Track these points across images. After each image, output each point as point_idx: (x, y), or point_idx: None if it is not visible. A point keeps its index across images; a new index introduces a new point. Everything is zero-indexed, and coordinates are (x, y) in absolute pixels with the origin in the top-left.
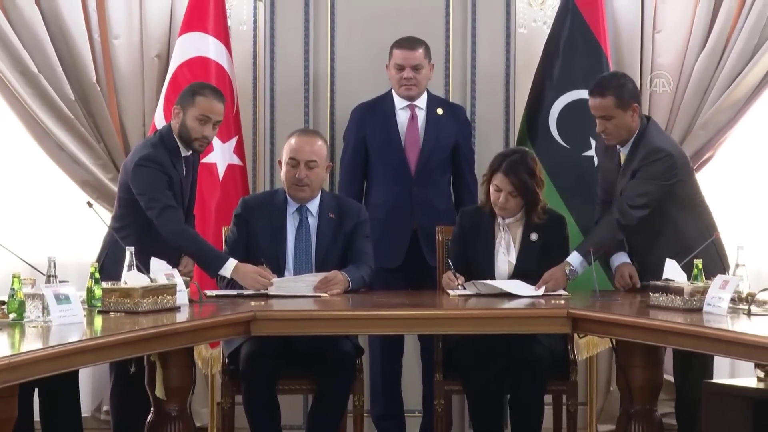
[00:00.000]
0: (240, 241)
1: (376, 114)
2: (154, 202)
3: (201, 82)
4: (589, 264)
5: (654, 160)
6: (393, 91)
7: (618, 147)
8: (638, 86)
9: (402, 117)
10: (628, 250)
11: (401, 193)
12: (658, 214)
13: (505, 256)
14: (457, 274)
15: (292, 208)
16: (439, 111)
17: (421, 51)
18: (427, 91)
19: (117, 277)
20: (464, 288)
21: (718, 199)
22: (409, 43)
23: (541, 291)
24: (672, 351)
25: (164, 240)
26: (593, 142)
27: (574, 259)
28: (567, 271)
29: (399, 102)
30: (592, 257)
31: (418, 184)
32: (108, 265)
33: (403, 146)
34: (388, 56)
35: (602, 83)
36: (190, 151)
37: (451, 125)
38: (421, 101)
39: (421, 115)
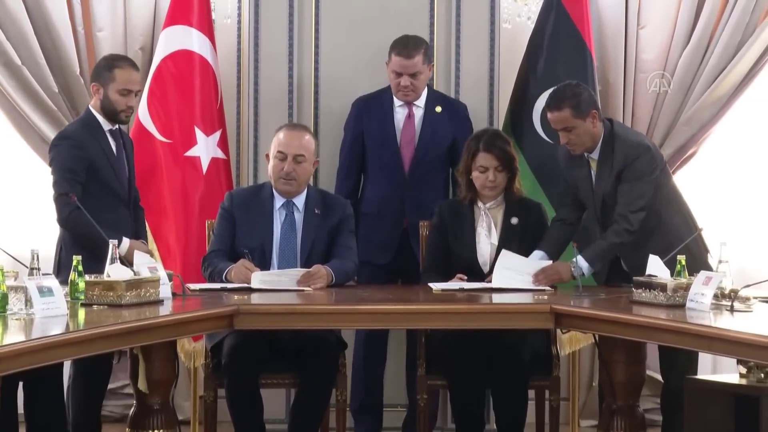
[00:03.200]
0: (227, 233)
1: (374, 109)
2: (56, 185)
3: (113, 54)
4: (595, 271)
5: (636, 158)
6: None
7: (586, 155)
8: (622, 82)
9: (399, 114)
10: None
11: (393, 191)
12: (649, 211)
13: (487, 238)
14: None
15: (278, 202)
16: (438, 109)
17: (419, 57)
18: (428, 87)
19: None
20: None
21: (701, 195)
22: (407, 50)
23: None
24: (657, 347)
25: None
26: None
27: (581, 261)
28: (572, 269)
29: (397, 99)
30: (598, 265)
31: (411, 182)
32: (65, 259)
33: (399, 144)
34: (387, 53)
35: (557, 96)
36: (116, 125)
37: (449, 123)
38: (420, 99)
39: (419, 113)
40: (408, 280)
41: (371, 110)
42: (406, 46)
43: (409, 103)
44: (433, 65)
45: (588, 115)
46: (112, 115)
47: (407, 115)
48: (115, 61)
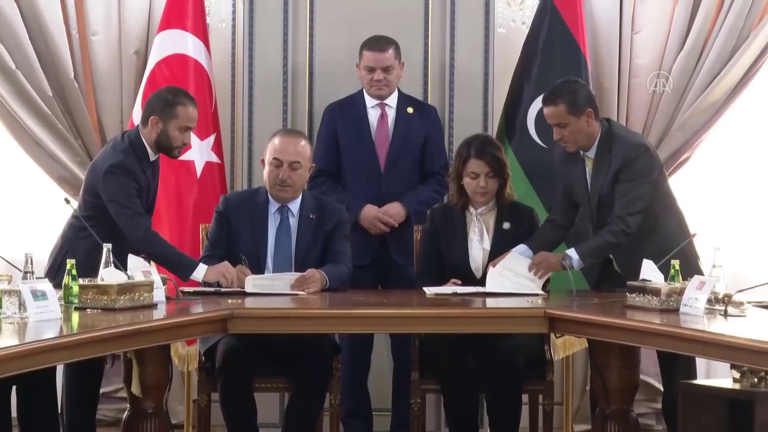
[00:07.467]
0: (222, 237)
1: (347, 113)
2: (124, 209)
3: (174, 88)
4: (586, 265)
5: (635, 158)
6: (364, 90)
7: (581, 153)
8: (617, 86)
9: (372, 115)
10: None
11: (370, 192)
12: (646, 213)
13: (479, 243)
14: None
15: (273, 207)
16: (410, 110)
17: (391, 52)
18: (398, 89)
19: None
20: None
21: (695, 201)
22: (379, 44)
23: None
24: (657, 353)
25: (126, 246)
26: None
27: (572, 254)
28: (562, 260)
29: (369, 101)
30: (589, 261)
31: (387, 182)
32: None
33: (374, 144)
34: (358, 55)
35: (554, 91)
36: (157, 155)
37: (421, 124)
38: (392, 100)
39: (391, 114)
40: (387, 280)
41: (344, 112)
42: (378, 41)
43: (381, 104)
44: (404, 64)
45: (583, 113)
46: (166, 150)
47: (380, 116)
48: (177, 97)
